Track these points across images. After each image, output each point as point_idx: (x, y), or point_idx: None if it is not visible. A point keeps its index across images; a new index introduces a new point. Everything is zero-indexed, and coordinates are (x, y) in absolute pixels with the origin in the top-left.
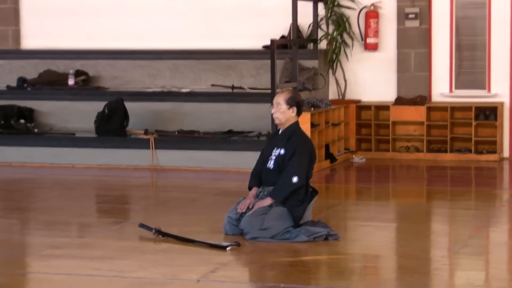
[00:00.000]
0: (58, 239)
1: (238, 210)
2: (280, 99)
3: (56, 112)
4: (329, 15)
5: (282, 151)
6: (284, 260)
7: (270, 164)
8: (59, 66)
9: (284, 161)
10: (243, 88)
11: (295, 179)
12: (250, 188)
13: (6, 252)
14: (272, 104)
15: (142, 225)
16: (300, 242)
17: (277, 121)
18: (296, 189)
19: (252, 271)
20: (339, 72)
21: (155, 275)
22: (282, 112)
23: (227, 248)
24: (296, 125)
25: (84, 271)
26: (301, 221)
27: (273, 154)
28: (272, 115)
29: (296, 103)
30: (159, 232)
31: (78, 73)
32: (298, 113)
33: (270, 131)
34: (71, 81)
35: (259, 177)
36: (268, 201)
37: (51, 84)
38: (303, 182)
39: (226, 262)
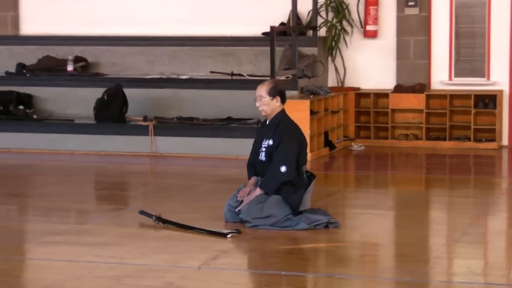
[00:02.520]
0: (57, 225)
1: (238, 198)
2: (262, 91)
3: (55, 98)
4: (328, 2)
5: (271, 142)
6: (284, 247)
7: (262, 156)
8: (58, 52)
9: (273, 151)
10: (242, 75)
11: (283, 169)
12: (249, 178)
13: (5, 239)
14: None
15: (142, 212)
16: (300, 230)
17: (263, 113)
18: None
19: (253, 259)
20: (338, 60)
21: (156, 262)
22: (266, 104)
23: (228, 236)
24: (282, 113)
25: (85, 257)
26: (301, 207)
27: (263, 146)
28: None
29: (278, 92)
30: (159, 219)
31: (77, 59)
32: (283, 101)
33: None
34: (70, 67)
35: (255, 167)
36: (258, 191)
37: (50, 70)
38: (292, 170)
39: (227, 250)
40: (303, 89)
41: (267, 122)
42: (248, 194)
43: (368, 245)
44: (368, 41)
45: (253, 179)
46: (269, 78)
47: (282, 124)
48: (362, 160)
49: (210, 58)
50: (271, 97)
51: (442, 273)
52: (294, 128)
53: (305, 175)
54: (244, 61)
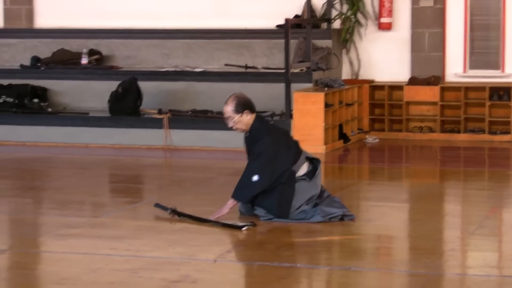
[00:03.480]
0: (73, 218)
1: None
2: (229, 112)
3: (70, 91)
4: None
5: None
6: (299, 240)
7: None
8: (72, 45)
9: None
10: (257, 68)
11: (255, 178)
12: None
13: (21, 232)
14: (224, 118)
15: (157, 205)
16: (315, 222)
17: (239, 131)
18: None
19: (268, 251)
20: (352, 52)
21: (172, 255)
22: (237, 122)
23: (243, 229)
24: (256, 123)
25: (101, 250)
26: (314, 191)
27: None
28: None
29: (244, 106)
30: (174, 212)
31: (91, 52)
32: (253, 111)
33: (284, 111)
34: (84, 60)
35: None
36: (230, 203)
37: (64, 63)
38: (265, 178)
39: (242, 242)
40: (318, 81)
41: (247, 135)
42: None
43: (383, 238)
44: (382, 34)
45: None
46: (283, 71)
47: (258, 136)
48: (376, 152)
49: (224, 51)
50: (240, 114)
51: (457, 265)
52: (268, 133)
53: (304, 165)
54: (258, 54)
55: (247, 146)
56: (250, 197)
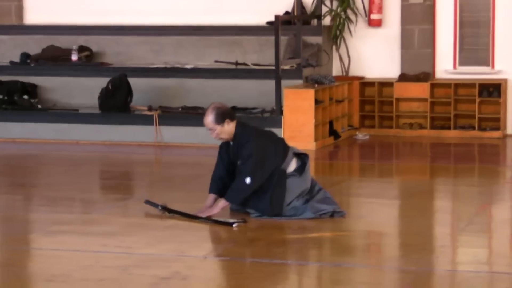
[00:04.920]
0: (63, 215)
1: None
2: (210, 124)
3: (60, 88)
4: None
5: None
6: (290, 237)
7: None
8: (62, 41)
9: None
10: (247, 64)
11: (247, 180)
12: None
13: (12, 229)
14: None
15: (147, 202)
16: (305, 219)
17: (224, 140)
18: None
19: (259, 248)
20: (342, 49)
21: (162, 252)
22: (220, 132)
23: (234, 225)
24: (238, 130)
25: (92, 247)
26: (304, 185)
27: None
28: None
29: (224, 115)
30: (165, 208)
31: (81, 49)
32: (233, 119)
33: (274, 108)
34: (74, 57)
35: (221, 182)
36: (222, 204)
37: (54, 60)
38: (257, 179)
39: (233, 239)
40: (308, 78)
41: (231, 143)
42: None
43: (373, 234)
44: (372, 30)
45: (212, 198)
46: (273, 67)
47: (243, 140)
48: (366, 149)
49: (215, 47)
50: (221, 125)
51: (447, 262)
52: (253, 135)
53: (293, 162)
54: (248, 51)
55: (233, 154)
56: (242, 199)
